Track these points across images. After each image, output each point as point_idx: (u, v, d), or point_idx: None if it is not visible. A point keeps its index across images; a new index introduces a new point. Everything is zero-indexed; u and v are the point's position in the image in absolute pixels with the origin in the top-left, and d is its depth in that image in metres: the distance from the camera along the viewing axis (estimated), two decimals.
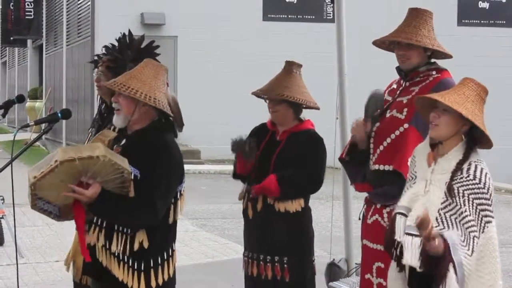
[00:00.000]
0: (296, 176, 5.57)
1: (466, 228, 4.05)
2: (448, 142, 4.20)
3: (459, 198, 4.10)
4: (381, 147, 4.99)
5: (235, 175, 5.82)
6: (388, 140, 4.97)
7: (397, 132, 4.93)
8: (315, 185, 5.65)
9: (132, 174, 4.41)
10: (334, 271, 6.76)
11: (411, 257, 4.06)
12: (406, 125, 4.85)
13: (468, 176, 4.11)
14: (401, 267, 4.29)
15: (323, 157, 5.70)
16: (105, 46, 5.59)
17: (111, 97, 4.75)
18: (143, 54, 5.41)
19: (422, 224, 3.94)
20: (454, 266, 3.99)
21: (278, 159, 5.63)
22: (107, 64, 5.52)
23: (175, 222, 4.63)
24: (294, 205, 5.62)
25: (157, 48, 5.40)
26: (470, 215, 4.05)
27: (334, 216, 8.07)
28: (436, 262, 4.03)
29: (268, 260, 5.64)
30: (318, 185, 5.67)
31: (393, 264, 4.35)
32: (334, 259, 6.88)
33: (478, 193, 4.09)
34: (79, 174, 4.34)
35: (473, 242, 4.03)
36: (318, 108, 5.79)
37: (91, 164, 4.30)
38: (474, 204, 4.07)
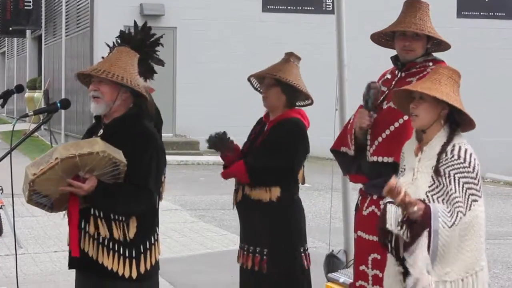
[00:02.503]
0: (264, 162, 5.50)
1: (453, 205, 4.09)
2: (431, 130, 4.28)
3: (445, 178, 4.15)
4: (380, 139, 4.98)
5: (226, 167, 5.81)
6: (387, 132, 4.96)
7: (397, 124, 4.92)
8: (285, 173, 5.54)
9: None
10: (333, 262, 6.78)
11: (391, 222, 4.14)
12: (405, 117, 4.84)
13: (452, 157, 4.17)
14: (400, 261, 4.30)
15: (297, 145, 5.56)
16: (121, 36, 5.55)
17: None
18: (151, 50, 5.45)
19: (389, 191, 4.02)
20: (429, 232, 4.03)
21: (258, 149, 5.61)
22: None
23: (158, 206, 4.73)
24: (268, 195, 5.52)
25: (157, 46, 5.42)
26: (456, 192, 4.10)
27: (333, 207, 8.08)
28: (414, 224, 4.07)
29: (250, 250, 5.62)
30: (288, 173, 5.55)
31: (390, 259, 4.36)
32: (333, 250, 6.89)
33: (463, 172, 4.14)
34: (77, 169, 4.37)
35: (457, 216, 4.06)
36: (312, 101, 5.75)
37: (90, 159, 4.34)
38: (461, 183, 4.12)
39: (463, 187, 4.11)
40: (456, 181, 4.12)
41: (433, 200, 4.16)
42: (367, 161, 5.05)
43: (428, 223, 4.04)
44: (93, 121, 4.85)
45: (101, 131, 4.65)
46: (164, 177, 4.75)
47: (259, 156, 5.55)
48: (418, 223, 4.06)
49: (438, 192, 4.16)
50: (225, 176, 5.72)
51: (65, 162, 4.30)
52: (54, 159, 4.30)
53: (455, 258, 4.09)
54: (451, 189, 4.11)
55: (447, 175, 4.15)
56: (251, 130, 5.84)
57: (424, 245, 4.04)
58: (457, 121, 4.27)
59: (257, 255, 5.57)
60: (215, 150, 5.70)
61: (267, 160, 5.51)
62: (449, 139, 4.23)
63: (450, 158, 4.16)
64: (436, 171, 4.17)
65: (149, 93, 4.84)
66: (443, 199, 4.13)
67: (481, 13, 23.51)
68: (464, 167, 4.14)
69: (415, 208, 4.06)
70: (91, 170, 4.38)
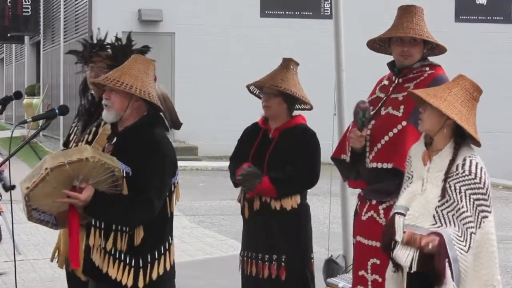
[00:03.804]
0: (289, 174, 5.51)
1: (464, 224, 4.07)
2: (440, 138, 4.25)
3: (456, 194, 4.12)
4: (379, 145, 4.96)
5: (236, 185, 5.77)
6: (386, 138, 4.93)
7: (395, 130, 4.90)
8: (310, 180, 5.60)
9: (124, 172, 4.42)
10: (332, 268, 6.77)
11: (400, 234, 4.17)
12: (404, 123, 4.83)
13: (463, 172, 4.13)
14: (397, 267, 4.30)
15: (316, 151, 5.63)
16: (108, 43, 5.56)
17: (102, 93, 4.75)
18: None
19: (409, 243, 4.12)
20: (449, 262, 4.03)
21: (271, 158, 5.59)
22: (107, 62, 5.48)
23: (171, 215, 4.65)
24: (290, 202, 5.56)
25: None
26: (467, 211, 4.08)
27: (332, 212, 8.07)
28: (432, 259, 4.06)
29: (266, 258, 5.60)
30: (314, 180, 5.62)
31: (390, 264, 4.37)
32: (332, 256, 6.88)
33: (474, 188, 4.11)
34: (71, 179, 4.33)
35: (470, 238, 4.06)
36: (311, 106, 5.74)
37: (81, 167, 4.29)
38: (471, 200, 4.09)
39: (473, 204, 4.09)
40: (467, 197, 4.10)
41: (443, 215, 4.14)
42: (367, 167, 5.04)
43: (446, 254, 4.04)
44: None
45: (115, 139, 4.64)
46: (175, 186, 4.68)
47: (282, 168, 5.53)
48: (437, 257, 4.07)
49: (448, 207, 4.14)
50: (254, 195, 5.61)
51: (56, 171, 4.27)
52: (44, 169, 4.28)
53: (472, 278, 4.09)
54: (462, 207, 4.09)
55: (457, 191, 4.12)
56: (246, 136, 5.81)
57: (449, 276, 4.05)
58: (464, 133, 4.21)
59: (273, 262, 5.56)
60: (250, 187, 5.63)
61: (292, 172, 5.52)
62: (456, 153, 4.18)
63: (462, 174, 4.13)
64: (444, 188, 4.15)
65: (168, 98, 4.80)
66: (453, 215, 4.12)
67: (479, 17, 23.53)
68: (475, 183, 4.12)
69: (430, 246, 4.08)
70: (86, 178, 4.35)
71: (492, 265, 4.14)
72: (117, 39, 5.41)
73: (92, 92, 5.59)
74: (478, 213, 4.09)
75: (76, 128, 5.61)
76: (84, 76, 5.66)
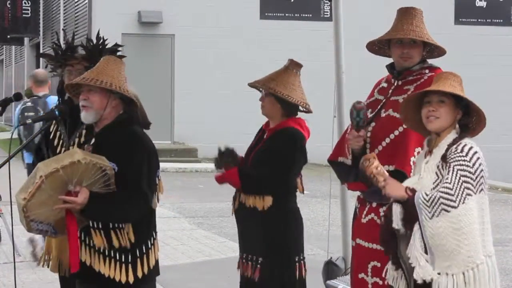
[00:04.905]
0: (258, 172, 5.49)
1: (440, 192, 4.10)
2: (445, 133, 4.31)
3: (445, 170, 4.19)
4: (380, 147, 4.95)
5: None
6: (387, 140, 4.93)
7: (397, 132, 4.90)
8: (275, 184, 5.49)
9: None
10: (331, 270, 6.77)
11: (397, 222, 4.20)
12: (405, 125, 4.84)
13: (456, 151, 4.20)
14: (397, 265, 4.30)
15: (293, 156, 5.52)
16: (79, 45, 5.57)
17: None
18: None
19: (364, 161, 4.25)
20: (419, 224, 4.10)
21: (253, 158, 5.61)
22: (84, 64, 5.46)
23: (154, 210, 4.74)
24: (261, 203, 5.48)
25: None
26: (450, 183, 4.11)
27: (332, 214, 8.08)
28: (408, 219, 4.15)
29: (249, 258, 5.61)
30: (278, 184, 5.50)
31: (389, 263, 4.36)
32: (331, 257, 6.88)
33: (463, 165, 4.15)
34: (65, 184, 4.36)
35: (438, 206, 4.07)
36: (309, 110, 5.70)
37: (74, 170, 4.33)
38: (458, 174, 4.13)
39: (459, 179, 4.12)
40: (454, 172, 4.13)
41: None
42: None
43: (417, 216, 4.10)
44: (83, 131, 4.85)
45: (93, 140, 4.66)
46: (159, 179, 4.75)
47: (254, 164, 5.56)
48: (409, 218, 4.13)
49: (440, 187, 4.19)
50: (219, 180, 5.70)
51: (50, 178, 4.29)
52: (39, 177, 4.29)
53: (453, 252, 4.09)
54: (446, 179, 4.14)
55: (447, 167, 4.18)
56: (254, 139, 5.85)
57: (417, 238, 4.11)
58: (466, 125, 4.30)
59: (253, 263, 5.57)
60: (225, 167, 5.67)
61: (261, 169, 5.50)
62: (459, 137, 4.26)
63: (454, 152, 4.19)
64: (444, 159, 4.20)
65: (138, 99, 4.85)
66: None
67: (479, 20, 23.54)
68: (464, 160, 4.15)
69: (382, 182, 4.18)
70: (80, 181, 4.38)
71: (474, 242, 4.14)
72: (88, 40, 5.43)
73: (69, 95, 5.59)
74: (463, 189, 4.10)
75: (59, 133, 5.54)
76: (61, 78, 5.66)
